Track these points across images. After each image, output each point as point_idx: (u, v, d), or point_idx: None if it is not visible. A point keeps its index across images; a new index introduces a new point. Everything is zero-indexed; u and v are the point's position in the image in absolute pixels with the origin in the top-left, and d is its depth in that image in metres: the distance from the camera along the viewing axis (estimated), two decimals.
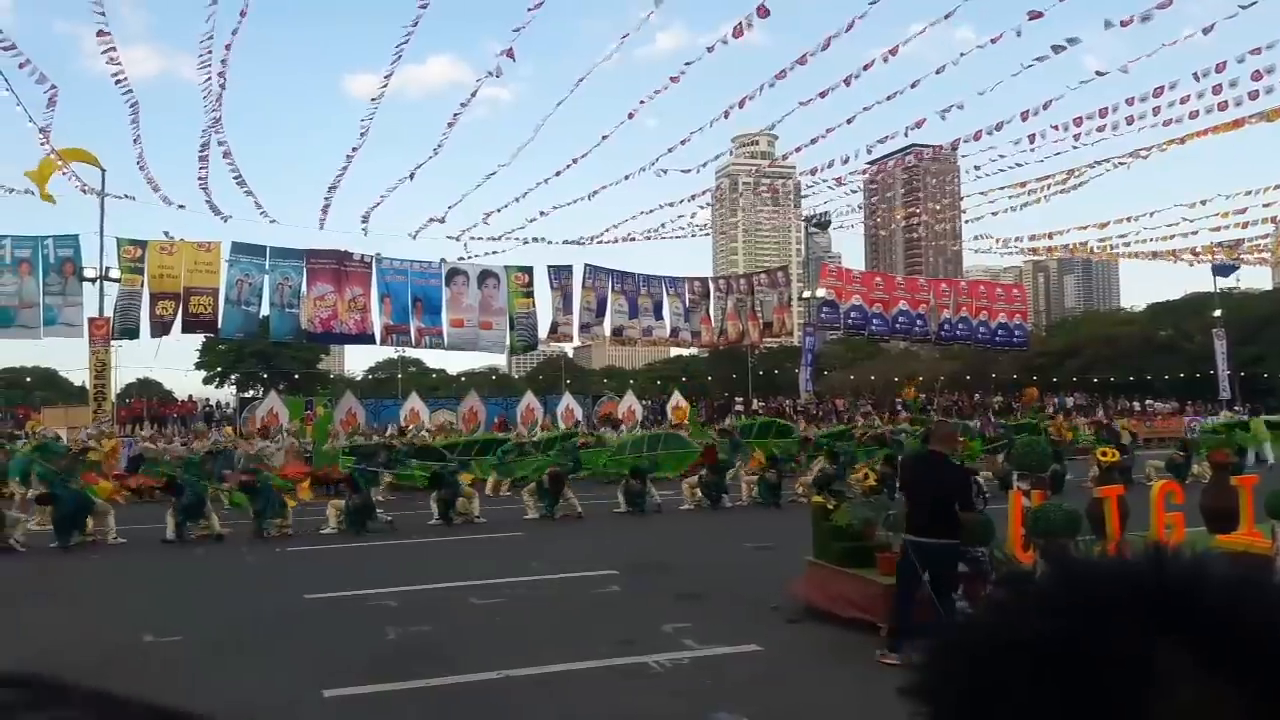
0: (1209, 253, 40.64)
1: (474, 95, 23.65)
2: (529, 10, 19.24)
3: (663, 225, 36.14)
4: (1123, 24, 20.10)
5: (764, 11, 18.87)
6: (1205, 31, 20.21)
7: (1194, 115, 24.66)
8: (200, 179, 26.20)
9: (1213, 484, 11.02)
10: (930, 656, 0.59)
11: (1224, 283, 49.06)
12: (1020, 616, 0.56)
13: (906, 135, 29.63)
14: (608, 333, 35.27)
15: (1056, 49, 20.57)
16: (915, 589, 7.39)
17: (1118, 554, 0.58)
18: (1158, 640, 0.51)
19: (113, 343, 29.70)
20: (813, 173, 29.96)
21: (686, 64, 24.32)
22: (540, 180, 27.71)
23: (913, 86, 23.32)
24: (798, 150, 27.34)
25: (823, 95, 23.35)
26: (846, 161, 28.01)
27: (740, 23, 20.08)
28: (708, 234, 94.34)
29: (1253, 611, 0.51)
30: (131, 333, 29.40)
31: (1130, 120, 24.64)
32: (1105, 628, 0.52)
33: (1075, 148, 27.73)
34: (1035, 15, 19.20)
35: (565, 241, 35.38)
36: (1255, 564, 0.59)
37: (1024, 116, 24.65)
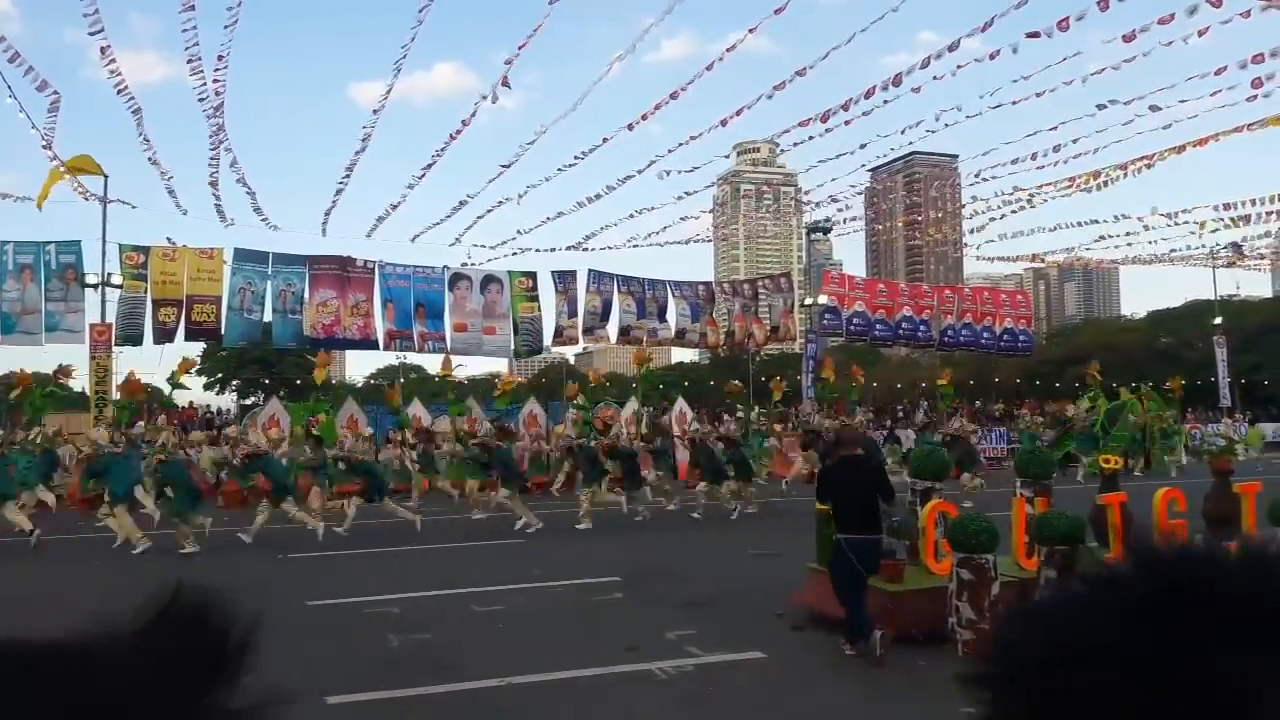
0: (1211, 257, 40.73)
1: (474, 115, 23.85)
2: (526, 37, 19.43)
3: (665, 228, 36.26)
4: (1125, 39, 20.23)
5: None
6: (1200, 34, 20.29)
7: (1194, 118, 24.83)
8: (211, 182, 26.28)
9: (1215, 491, 11.01)
10: (1003, 646, 0.55)
11: (1224, 290, 49.16)
12: (1108, 620, 0.52)
13: (910, 142, 29.79)
14: (613, 336, 35.24)
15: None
16: (855, 581, 7.97)
17: (1210, 552, 0.54)
18: (1249, 659, 0.46)
19: (115, 349, 29.69)
20: (812, 190, 29.99)
21: (686, 83, 24.54)
22: (543, 179, 27.82)
23: (915, 91, 23.45)
24: (796, 146, 27.43)
25: (824, 119, 23.54)
26: (851, 174, 28.22)
27: (735, 40, 20.49)
28: (709, 240, 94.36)
29: None
30: (135, 339, 29.38)
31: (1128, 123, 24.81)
32: (1208, 640, 0.48)
33: (1077, 156, 27.85)
34: (1033, 35, 19.46)
35: (568, 247, 35.44)
36: None
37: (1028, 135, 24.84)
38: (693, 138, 25.60)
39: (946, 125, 25.94)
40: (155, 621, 0.52)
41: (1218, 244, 41.47)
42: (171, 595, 0.53)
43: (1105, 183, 29.48)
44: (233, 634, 0.54)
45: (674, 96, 24.01)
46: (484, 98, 21.55)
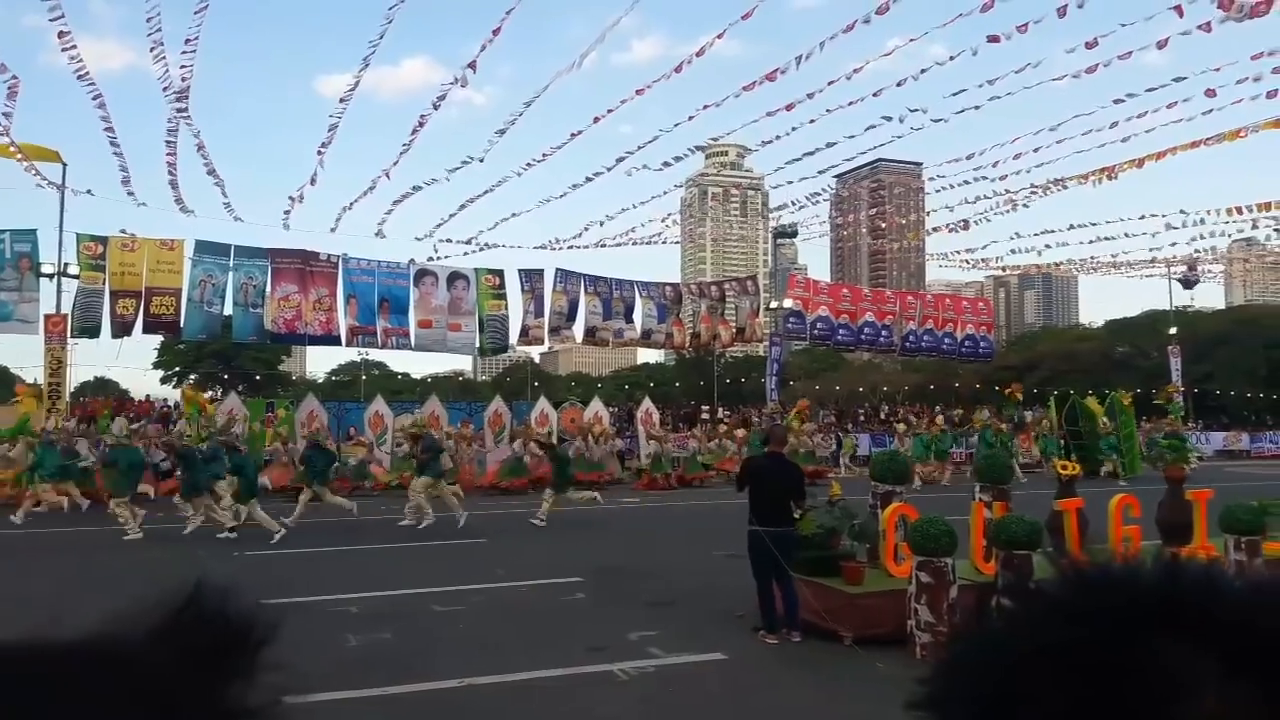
0: (1167, 264, 41.53)
1: (442, 99, 23.53)
2: (494, 30, 19.36)
3: (632, 230, 36.28)
4: (1088, 46, 20.52)
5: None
6: (1160, 46, 20.66)
7: (1149, 131, 25.29)
8: (171, 172, 25.88)
9: (1168, 498, 11.21)
10: (944, 670, 0.58)
11: (1179, 300, 50.09)
12: (1038, 625, 0.55)
13: (876, 145, 30.07)
14: (579, 336, 35.18)
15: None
16: (768, 572, 8.50)
17: (1127, 562, 0.58)
18: (1180, 648, 0.50)
19: (71, 341, 29.18)
20: (779, 188, 30.23)
21: (652, 81, 24.50)
22: (513, 173, 27.68)
23: (875, 95, 23.66)
24: (763, 145, 27.44)
25: (789, 108, 23.66)
26: (816, 176, 28.42)
27: (705, 44, 20.57)
28: (677, 242, 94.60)
29: (1270, 618, 0.51)
30: (92, 331, 28.87)
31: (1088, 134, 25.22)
32: (1129, 635, 0.52)
33: (1040, 165, 28.28)
34: (993, 39, 19.69)
35: (536, 247, 35.33)
36: (1267, 572, 0.61)
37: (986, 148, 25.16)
38: (661, 132, 25.59)
39: (912, 129, 26.22)
40: (177, 617, 0.53)
41: (1174, 257, 42.27)
42: (193, 592, 0.55)
43: (1065, 187, 29.92)
44: (253, 631, 0.56)
45: (639, 93, 23.97)
46: (454, 81, 21.33)
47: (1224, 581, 0.55)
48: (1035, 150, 28.53)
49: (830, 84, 23.09)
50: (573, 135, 25.13)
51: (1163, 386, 41.25)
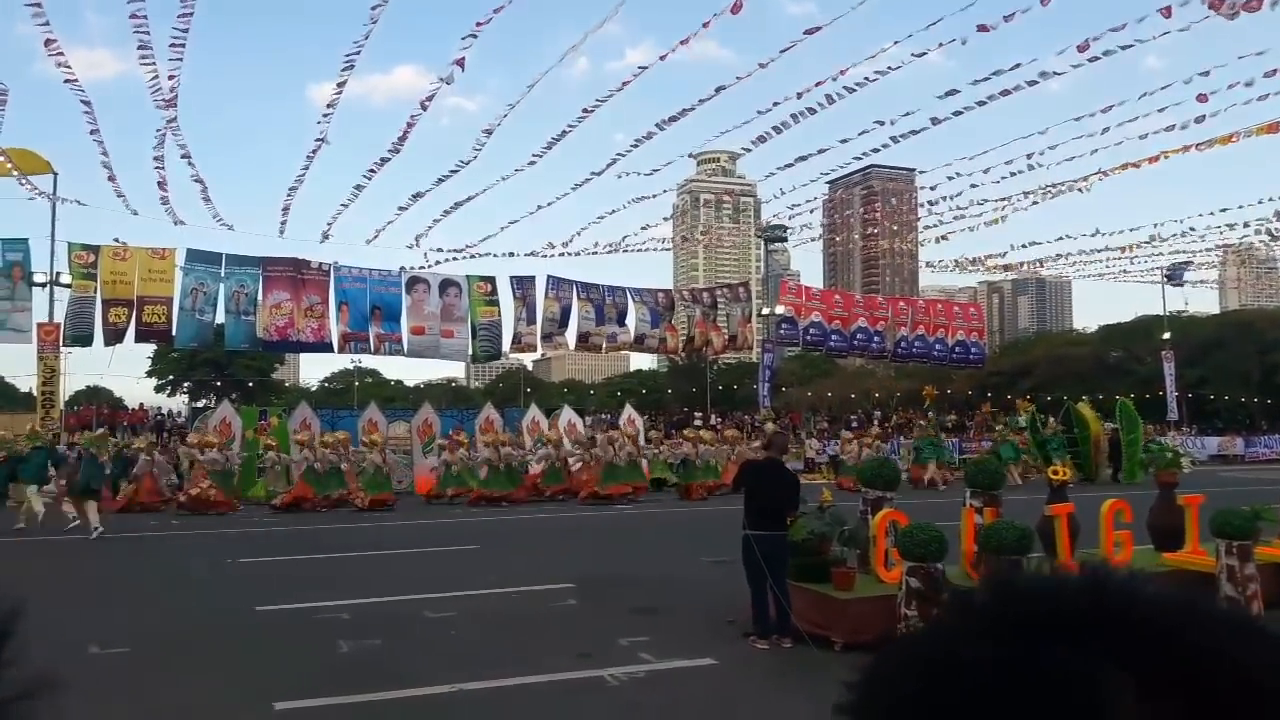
0: (1160, 270, 41.67)
1: (430, 99, 23.39)
2: (479, 23, 19.33)
3: (625, 239, 36.29)
4: (1079, 49, 20.59)
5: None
6: (1155, 37, 20.64)
7: (1144, 137, 25.37)
8: (160, 182, 25.85)
9: (1160, 503, 11.23)
10: (866, 677, 0.58)
11: (1173, 306, 50.30)
12: (956, 639, 0.55)
13: (872, 150, 30.15)
14: (571, 342, 35.18)
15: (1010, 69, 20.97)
16: (761, 576, 8.48)
17: (1053, 573, 0.58)
18: (1096, 664, 0.50)
19: (64, 349, 29.12)
20: (770, 200, 30.36)
21: (636, 72, 24.22)
22: (500, 178, 27.62)
23: (864, 83, 23.59)
24: (757, 145, 27.39)
25: (795, 118, 23.72)
26: (809, 184, 28.46)
27: (690, 36, 20.59)
28: (669, 249, 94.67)
29: (1190, 633, 0.51)
30: (84, 340, 28.84)
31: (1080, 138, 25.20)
32: (1042, 652, 0.51)
33: (1031, 168, 28.37)
34: (983, 29, 19.57)
35: (529, 254, 35.34)
36: (1191, 585, 0.61)
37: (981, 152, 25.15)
38: (649, 134, 25.51)
39: (902, 135, 26.23)
40: None
41: (1163, 266, 42.47)
42: None
43: (1060, 194, 30.06)
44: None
45: (625, 85, 23.88)
46: (441, 80, 21.24)
47: (1150, 595, 0.54)
48: (1028, 156, 28.55)
49: (818, 84, 23.12)
50: (564, 131, 25.00)
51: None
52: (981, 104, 23.84)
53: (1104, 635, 0.51)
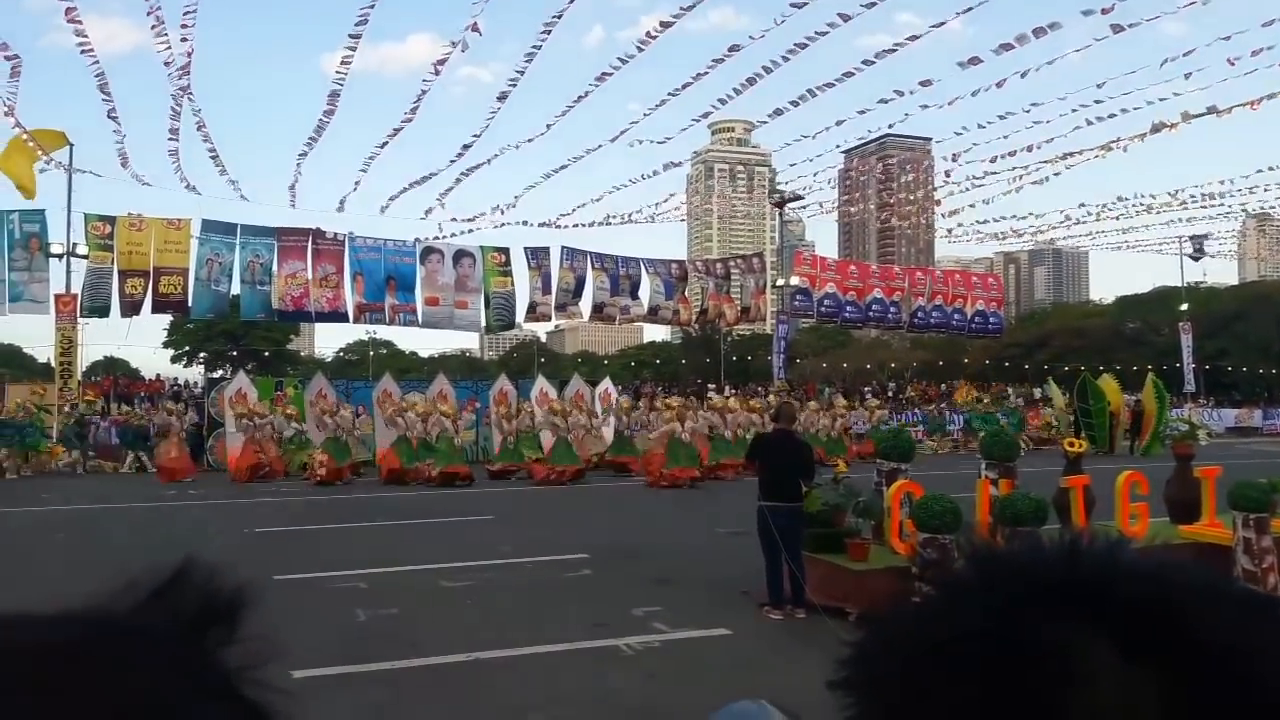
0: (1179, 240, 41.26)
1: (442, 64, 23.17)
2: None
3: (639, 210, 36.20)
4: (1104, 11, 20.28)
5: None
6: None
7: (1164, 100, 25.07)
8: (173, 151, 25.87)
9: (1176, 475, 11.17)
10: (856, 651, 0.58)
11: (1190, 277, 49.82)
12: (939, 612, 0.55)
13: (889, 126, 29.85)
14: (586, 313, 35.14)
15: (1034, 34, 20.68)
16: (776, 548, 8.50)
17: (1033, 544, 0.57)
18: (1074, 632, 0.49)
19: (81, 320, 29.29)
20: (785, 170, 30.13)
21: (645, 39, 23.73)
22: (512, 146, 27.53)
23: (885, 54, 23.36)
24: (774, 117, 27.16)
25: (811, 93, 23.43)
26: (825, 154, 28.25)
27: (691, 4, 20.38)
28: (683, 220, 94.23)
29: (1169, 600, 0.50)
30: (101, 311, 28.99)
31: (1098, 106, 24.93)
32: (1021, 622, 0.51)
33: (1049, 140, 28.07)
34: None
35: (541, 224, 35.26)
36: (1168, 552, 0.61)
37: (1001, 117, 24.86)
38: (663, 101, 25.34)
39: (921, 107, 25.99)
40: (166, 587, 0.56)
41: (1183, 236, 42.04)
42: (181, 564, 0.58)
43: (1068, 165, 29.74)
44: (233, 598, 0.59)
45: (641, 49, 23.59)
46: (453, 44, 21.07)
47: (1127, 563, 0.54)
48: (1048, 122, 28.26)
49: (844, 64, 22.90)
50: (578, 99, 24.86)
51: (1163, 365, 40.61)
52: (1003, 80, 23.67)
53: (1083, 604, 0.51)
